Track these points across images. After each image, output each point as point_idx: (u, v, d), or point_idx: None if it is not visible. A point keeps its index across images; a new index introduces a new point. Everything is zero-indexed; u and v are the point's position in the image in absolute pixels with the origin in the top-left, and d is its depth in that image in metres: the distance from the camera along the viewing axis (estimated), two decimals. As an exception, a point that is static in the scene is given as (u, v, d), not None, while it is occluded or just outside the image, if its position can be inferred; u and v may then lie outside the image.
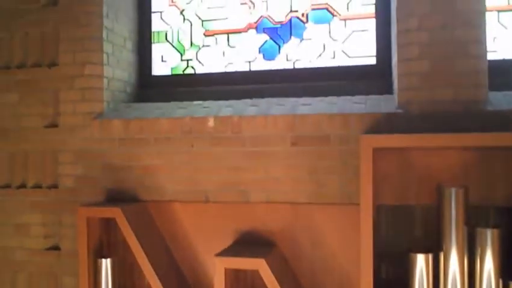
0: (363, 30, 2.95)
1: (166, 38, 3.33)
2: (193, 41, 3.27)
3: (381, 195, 2.45)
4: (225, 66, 3.20)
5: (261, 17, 3.14)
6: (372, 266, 2.21)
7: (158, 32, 3.34)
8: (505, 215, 2.33)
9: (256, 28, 3.15)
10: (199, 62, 3.26)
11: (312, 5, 3.05)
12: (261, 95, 3.00)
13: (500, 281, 2.13)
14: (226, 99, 3.03)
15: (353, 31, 2.97)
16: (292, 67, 3.07)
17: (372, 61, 2.92)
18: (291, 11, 3.09)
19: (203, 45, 3.25)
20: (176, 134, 2.79)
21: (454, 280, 2.17)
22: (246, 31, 3.17)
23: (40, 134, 3.03)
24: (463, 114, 2.39)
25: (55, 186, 3.01)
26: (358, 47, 2.95)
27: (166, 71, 3.33)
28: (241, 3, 3.17)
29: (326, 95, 2.88)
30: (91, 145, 2.93)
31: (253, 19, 3.16)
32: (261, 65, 3.13)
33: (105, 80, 2.97)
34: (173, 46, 3.31)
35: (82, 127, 2.94)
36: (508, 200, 2.32)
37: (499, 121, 2.35)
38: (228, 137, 2.71)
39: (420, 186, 2.42)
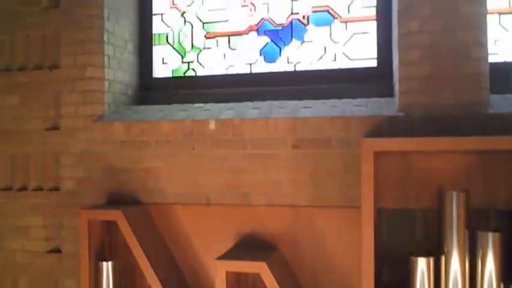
0: (364, 33, 2.95)
1: (167, 40, 3.33)
2: (194, 43, 3.28)
3: (382, 198, 2.45)
4: (226, 69, 3.20)
5: (262, 19, 3.14)
6: (373, 269, 2.22)
7: (159, 34, 3.34)
8: (506, 218, 2.33)
9: (257, 30, 3.15)
10: (200, 64, 3.26)
11: (313, 7, 3.05)
12: (261, 97, 3.00)
13: (502, 285, 2.13)
14: (227, 101, 3.03)
15: (354, 33, 2.97)
16: (293, 69, 3.07)
17: (373, 63, 2.92)
18: (292, 13, 3.09)
19: (204, 48, 3.25)
20: (178, 136, 2.79)
21: (455, 283, 2.17)
22: (247, 33, 3.17)
23: (41, 136, 3.03)
24: (464, 117, 2.39)
25: (56, 189, 3.01)
26: (359, 50, 2.95)
27: (167, 73, 3.33)
28: (242, 6, 3.17)
29: (327, 98, 2.88)
30: (92, 148, 2.93)
31: (254, 21, 3.16)
32: (262, 67, 3.13)
33: (106, 83, 2.98)
34: (174, 48, 3.31)
35: (83, 130, 2.95)
36: (509, 203, 2.32)
37: (500, 124, 2.35)
38: (229, 140, 2.71)
39: (421, 189, 2.41)
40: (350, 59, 2.97)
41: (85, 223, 2.66)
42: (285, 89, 3.02)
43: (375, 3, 2.91)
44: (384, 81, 2.83)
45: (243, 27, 3.17)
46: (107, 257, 2.80)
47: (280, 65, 3.10)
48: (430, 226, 2.41)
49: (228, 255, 2.49)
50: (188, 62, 3.28)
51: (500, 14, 2.76)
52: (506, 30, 2.75)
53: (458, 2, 2.41)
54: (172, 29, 3.32)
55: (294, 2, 3.08)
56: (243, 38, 3.17)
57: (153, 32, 3.34)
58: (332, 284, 2.58)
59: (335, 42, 3.00)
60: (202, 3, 3.25)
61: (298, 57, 3.07)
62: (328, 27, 3.02)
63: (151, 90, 3.32)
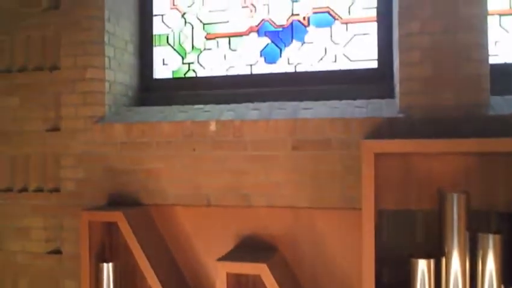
0: (364, 34, 2.95)
1: (168, 41, 3.33)
2: (194, 44, 3.28)
3: (382, 200, 2.45)
4: (226, 70, 3.20)
5: (262, 20, 3.14)
6: (373, 271, 2.22)
7: (159, 35, 3.34)
8: (506, 220, 2.33)
9: (257, 31, 3.15)
10: (201, 65, 3.26)
11: (314, 8, 3.05)
12: (262, 98, 3.00)
13: (502, 287, 2.12)
14: (228, 102, 3.03)
15: (355, 35, 2.97)
16: (293, 70, 3.07)
17: (374, 65, 2.92)
18: (292, 14, 3.09)
19: (204, 49, 3.25)
20: (178, 137, 2.79)
21: (456, 285, 2.17)
22: (248, 34, 3.17)
23: (42, 137, 3.03)
24: (465, 119, 2.39)
25: (57, 190, 3.01)
26: (359, 51, 2.95)
27: (168, 74, 3.33)
28: (243, 7, 3.17)
29: (327, 99, 2.87)
30: (93, 149, 2.93)
31: (254, 22, 3.15)
32: (263, 68, 3.13)
33: (107, 84, 2.98)
34: (175, 49, 3.31)
35: (84, 131, 2.95)
36: (509, 205, 2.32)
37: (500, 126, 2.34)
38: (230, 141, 2.71)
39: (421, 191, 2.41)
40: (351, 60, 2.97)
41: (85, 224, 2.67)
42: (286, 90, 3.02)
43: (375, 5, 2.91)
44: (384, 83, 2.83)
45: (243, 28, 3.17)
46: (107, 258, 2.80)
47: (281, 66, 3.10)
48: (430, 227, 2.41)
49: (229, 257, 2.49)
50: (189, 63, 3.28)
51: (500, 15, 2.75)
52: (507, 31, 2.75)
53: (459, 3, 2.41)
54: (172, 30, 3.32)
55: (294, 3, 3.08)
56: (244, 39, 3.17)
57: (153, 33, 3.34)
58: (332, 285, 2.58)
59: (336, 44, 3.00)
60: (203, 4, 3.25)
61: (298, 58, 3.07)
62: (328, 29, 3.02)
63: (151, 91, 3.32)
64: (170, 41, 3.32)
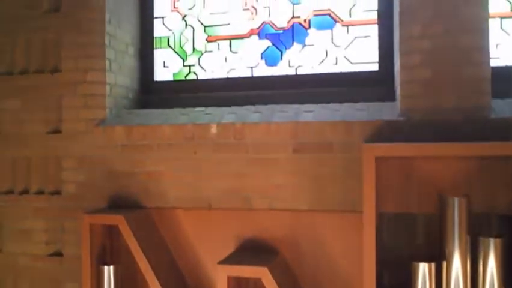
0: (365, 37, 2.95)
1: (168, 44, 3.33)
2: (195, 47, 3.28)
3: (383, 203, 2.44)
4: (227, 72, 3.20)
5: (263, 22, 3.14)
6: (374, 273, 2.21)
7: (160, 38, 3.34)
8: (508, 224, 2.33)
9: (258, 34, 3.15)
10: (201, 67, 3.26)
11: (315, 11, 3.05)
12: (263, 101, 3.00)
13: (503, 290, 2.13)
14: (228, 105, 3.03)
15: (356, 37, 2.97)
16: (294, 73, 3.07)
17: (375, 67, 2.92)
18: (293, 16, 3.09)
19: (205, 51, 3.25)
20: (179, 140, 2.79)
21: (457, 289, 2.17)
22: (248, 37, 3.17)
23: (43, 140, 3.04)
24: (466, 122, 2.39)
25: (58, 193, 3.01)
26: (360, 53, 2.95)
27: (169, 77, 3.33)
28: (244, 9, 3.17)
29: (328, 101, 2.88)
30: (94, 151, 2.93)
31: (255, 25, 3.16)
32: (263, 71, 3.13)
33: (107, 87, 2.98)
34: (176, 52, 3.31)
35: (85, 133, 2.95)
36: (511, 209, 2.31)
37: (501, 129, 2.34)
38: (231, 144, 2.71)
39: (422, 194, 2.41)
40: (352, 63, 2.97)
41: (86, 227, 2.67)
42: (286, 93, 3.02)
43: (376, 7, 2.91)
44: (385, 85, 2.83)
45: (244, 31, 3.17)
46: (108, 261, 2.80)
47: (282, 69, 3.10)
48: (431, 230, 2.41)
49: (230, 260, 2.49)
50: (190, 66, 3.28)
51: (501, 18, 2.75)
52: (508, 34, 2.75)
53: (460, 6, 2.41)
54: (173, 33, 3.32)
55: (295, 5, 3.08)
56: (244, 42, 3.17)
57: (154, 36, 3.34)
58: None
59: (336, 46, 3.00)
60: (204, 7, 3.25)
61: (299, 60, 3.07)
62: (329, 31, 3.02)
63: (152, 93, 3.32)
64: (171, 43, 3.32)
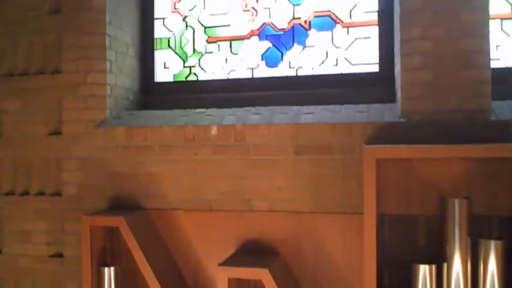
0: (366, 38, 2.95)
1: (169, 45, 3.33)
2: (195, 48, 3.28)
3: (383, 205, 2.45)
4: (228, 73, 3.20)
5: (263, 24, 3.14)
6: (375, 275, 2.22)
7: (161, 39, 3.34)
8: (508, 225, 2.33)
9: (258, 35, 3.15)
10: (202, 68, 3.26)
11: (315, 12, 3.05)
12: (263, 102, 3.00)
13: (504, 292, 2.13)
14: (229, 106, 3.04)
15: (356, 38, 2.97)
16: (294, 74, 3.07)
17: (375, 69, 2.92)
18: (293, 18, 3.09)
19: (205, 52, 3.25)
20: (180, 142, 2.79)
21: (457, 291, 2.17)
22: (249, 38, 3.17)
23: (43, 141, 3.04)
24: (466, 124, 2.39)
25: (58, 194, 3.01)
26: (361, 55, 2.95)
27: (169, 78, 3.33)
28: (244, 10, 3.17)
29: (329, 102, 2.88)
30: (94, 153, 2.93)
31: (255, 26, 3.16)
32: (264, 72, 3.13)
33: (108, 88, 2.98)
34: (176, 53, 3.31)
35: (85, 135, 2.95)
36: (511, 210, 2.31)
37: (502, 131, 2.35)
38: (231, 146, 2.71)
39: (422, 196, 2.41)
40: (352, 64, 2.97)
41: (87, 229, 2.67)
42: (287, 94, 3.02)
43: (377, 8, 2.91)
44: (386, 87, 2.83)
45: (244, 32, 3.17)
46: (109, 263, 2.80)
47: (282, 70, 3.10)
48: (432, 232, 2.41)
49: (230, 262, 2.49)
50: (190, 67, 3.28)
51: (502, 19, 2.75)
52: (508, 35, 2.75)
53: (460, 8, 2.41)
54: (173, 34, 3.32)
55: (295, 6, 3.08)
56: (245, 43, 3.17)
57: (155, 37, 3.34)
58: (333, 289, 2.58)
59: (337, 47, 3.00)
60: (204, 8, 3.25)
61: (300, 62, 3.07)
62: (330, 32, 3.02)
63: (152, 94, 3.32)
64: (172, 44, 3.32)
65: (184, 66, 3.30)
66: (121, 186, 2.89)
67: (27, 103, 3.08)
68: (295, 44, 3.09)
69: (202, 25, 3.26)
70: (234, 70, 3.19)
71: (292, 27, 3.09)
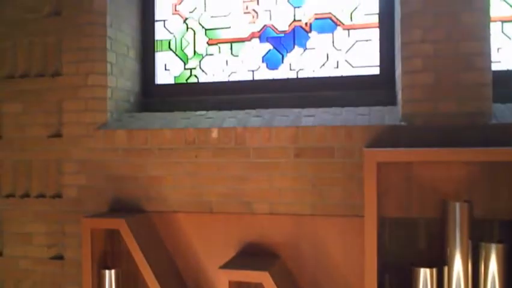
0: (366, 40, 2.95)
1: (170, 47, 3.33)
2: (196, 50, 3.28)
3: (384, 208, 2.45)
4: (228, 75, 3.20)
5: (264, 26, 3.14)
6: (376, 278, 2.22)
7: (161, 41, 3.34)
8: (509, 229, 2.32)
9: (259, 37, 3.15)
10: (203, 70, 3.26)
11: (316, 14, 3.05)
12: (264, 104, 3.01)
13: (505, 296, 2.13)
14: (229, 108, 3.04)
15: (357, 41, 2.97)
16: (295, 76, 3.07)
17: (376, 71, 2.91)
18: (294, 20, 3.09)
19: (206, 54, 3.25)
20: (180, 144, 2.79)
21: (458, 294, 2.17)
22: (249, 40, 3.17)
23: (44, 143, 3.03)
24: (467, 127, 2.39)
25: (59, 196, 3.01)
26: (362, 57, 2.95)
27: (170, 80, 3.33)
28: (245, 12, 3.17)
29: (329, 105, 2.88)
30: (95, 155, 2.93)
31: (256, 28, 3.15)
32: (264, 74, 3.13)
33: (108, 90, 2.97)
34: (177, 55, 3.31)
35: (86, 137, 2.95)
36: (512, 214, 2.32)
37: (503, 134, 2.35)
38: (232, 148, 2.71)
39: (423, 199, 2.41)
40: (353, 67, 2.97)
41: (87, 231, 2.67)
42: (287, 96, 3.02)
43: (377, 11, 2.91)
44: (386, 89, 2.83)
45: (245, 34, 3.17)
46: (109, 265, 2.80)
47: (283, 72, 3.10)
48: (433, 235, 2.41)
49: (231, 265, 2.49)
50: (191, 69, 3.28)
51: (502, 21, 2.75)
52: (509, 38, 2.75)
53: (461, 11, 2.41)
54: (174, 36, 3.32)
55: (296, 9, 3.08)
56: (246, 45, 3.17)
57: (155, 39, 3.34)
58: (334, 292, 2.58)
59: (338, 50, 3.00)
60: (205, 10, 3.25)
61: (300, 64, 3.07)
62: (330, 35, 3.02)
63: (153, 96, 3.32)
64: (172, 46, 3.32)
65: (185, 68, 3.30)
66: (121, 188, 2.89)
67: (28, 105, 3.07)
68: (296, 46, 3.08)
69: (203, 27, 3.26)
70: (234, 72, 3.19)
71: (293, 30, 3.09)
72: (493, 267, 2.14)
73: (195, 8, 3.27)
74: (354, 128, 2.53)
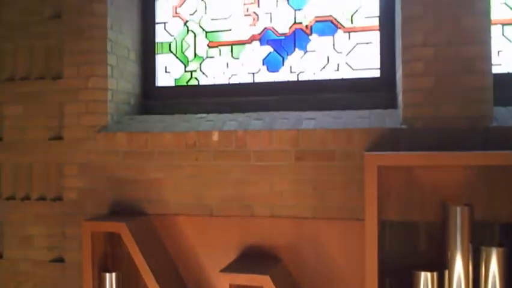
0: (367, 43, 2.95)
1: (170, 49, 3.33)
2: (196, 52, 3.27)
3: (385, 211, 2.44)
4: (229, 78, 3.20)
5: (264, 28, 3.14)
6: (376, 282, 2.22)
7: (162, 43, 3.34)
8: (510, 233, 2.32)
9: (260, 40, 3.15)
10: (203, 73, 3.26)
11: (316, 17, 3.05)
12: (264, 106, 3.01)
13: (505, 299, 2.13)
14: (230, 110, 3.04)
15: (357, 43, 2.97)
16: (296, 79, 3.07)
17: (376, 74, 2.91)
18: (295, 23, 3.09)
19: (207, 57, 3.25)
20: (181, 147, 2.79)
21: (459, 298, 2.17)
22: (250, 43, 3.17)
23: (44, 146, 3.04)
24: (468, 130, 2.39)
25: (59, 199, 3.01)
26: (362, 60, 2.95)
27: (170, 82, 3.33)
28: (245, 15, 3.17)
29: (330, 107, 2.88)
30: (95, 158, 2.93)
31: (257, 31, 3.15)
32: (265, 77, 3.13)
33: (109, 92, 2.97)
34: (177, 57, 3.31)
35: (86, 140, 2.95)
36: (513, 217, 2.32)
37: (504, 137, 2.35)
38: (233, 151, 2.71)
39: (424, 202, 2.41)
40: (353, 69, 2.97)
41: (88, 235, 2.66)
42: (288, 99, 3.02)
43: (378, 13, 2.91)
44: (387, 92, 2.83)
45: (245, 37, 3.17)
46: (110, 268, 2.80)
47: (283, 75, 3.10)
48: (433, 238, 2.41)
49: (231, 268, 2.49)
50: (191, 71, 3.28)
51: (503, 25, 2.75)
52: (510, 41, 2.75)
53: (462, 15, 2.41)
54: (175, 38, 3.32)
55: (297, 11, 3.08)
56: (246, 47, 3.17)
57: (156, 41, 3.34)
58: (335, 295, 2.58)
59: (338, 52, 3.00)
60: (205, 12, 3.25)
61: (301, 66, 3.07)
62: (331, 37, 3.02)
63: (153, 99, 3.32)
64: (173, 48, 3.32)
65: (185, 71, 3.30)
66: (122, 191, 2.89)
67: (29, 108, 3.08)
68: (296, 49, 3.08)
69: (204, 29, 3.26)
70: (235, 75, 3.19)
71: (294, 32, 3.09)
72: (493, 271, 2.14)
73: (196, 11, 3.27)
74: (355, 131, 2.53)
